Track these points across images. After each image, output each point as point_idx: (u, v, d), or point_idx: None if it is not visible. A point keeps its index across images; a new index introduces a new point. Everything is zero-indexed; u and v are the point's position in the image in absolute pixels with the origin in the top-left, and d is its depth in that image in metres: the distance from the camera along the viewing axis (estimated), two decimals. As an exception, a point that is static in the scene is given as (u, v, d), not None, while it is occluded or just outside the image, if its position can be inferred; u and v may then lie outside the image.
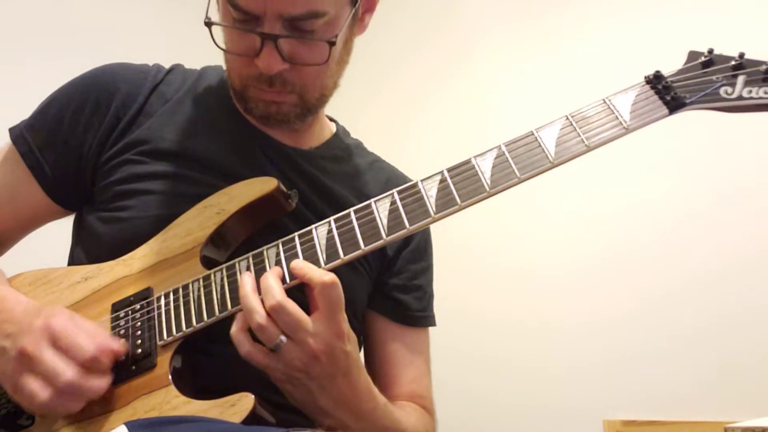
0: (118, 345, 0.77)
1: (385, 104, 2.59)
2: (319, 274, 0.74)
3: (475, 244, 2.25)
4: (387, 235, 0.76)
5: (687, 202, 1.92)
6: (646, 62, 0.87)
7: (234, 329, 0.75)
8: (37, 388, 0.71)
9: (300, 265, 0.76)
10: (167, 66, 1.01)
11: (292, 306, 0.72)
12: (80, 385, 0.72)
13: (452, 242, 2.18)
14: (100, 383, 0.74)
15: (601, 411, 1.98)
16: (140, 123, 0.94)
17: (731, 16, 1.90)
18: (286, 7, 0.80)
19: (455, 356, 2.15)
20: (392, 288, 1.00)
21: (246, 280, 0.76)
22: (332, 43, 0.84)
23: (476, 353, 2.17)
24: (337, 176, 1.00)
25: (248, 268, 0.80)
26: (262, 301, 0.73)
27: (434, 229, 1.06)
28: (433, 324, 1.05)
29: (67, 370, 0.71)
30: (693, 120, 1.81)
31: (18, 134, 0.95)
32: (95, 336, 0.75)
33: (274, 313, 0.72)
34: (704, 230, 1.89)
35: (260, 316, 0.72)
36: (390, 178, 1.06)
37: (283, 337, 0.72)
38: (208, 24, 0.85)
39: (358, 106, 2.47)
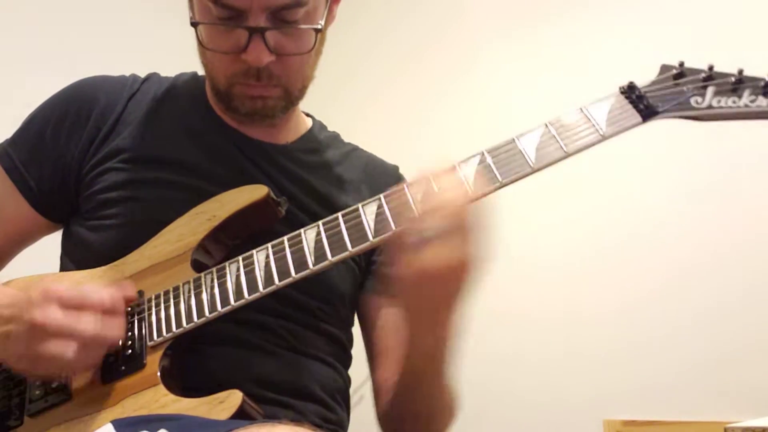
0: (127, 289, 0.79)
1: (387, 108, 2.61)
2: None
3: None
4: (374, 237, 0.78)
5: (686, 198, 1.92)
6: (645, 68, 0.89)
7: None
8: (62, 347, 0.72)
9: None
10: (143, 76, 1.03)
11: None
12: (102, 334, 0.74)
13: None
14: (119, 329, 0.77)
15: (601, 411, 1.96)
16: (119, 131, 0.96)
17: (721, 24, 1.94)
18: None
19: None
20: (380, 264, 1.01)
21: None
22: (318, 30, 0.88)
23: (476, 353, 2.14)
24: (315, 168, 1.01)
25: (238, 270, 0.82)
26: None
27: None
28: None
29: (87, 322, 0.73)
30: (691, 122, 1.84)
31: (2, 151, 0.98)
32: (101, 287, 0.77)
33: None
34: (704, 232, 1.89)
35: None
36: (367, 163, 1.07)
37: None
38: (194, 24, 0.88)
39: (359, 109, 2.52)
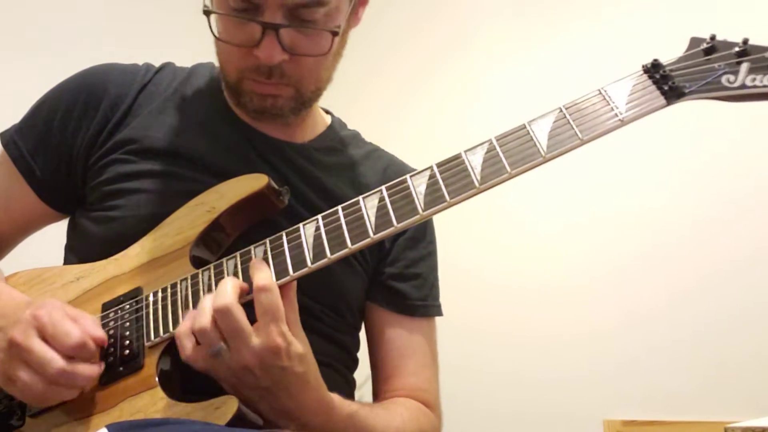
0: (101, 333, 0.76)
1: (379, 95, 2.57)
2: (258, 278, 0.71)
3: (478, 249, 2.23)
4: (374, 234, 0.74)
5: (682, 204, 1.91)
6: (652, 49, 0.83)
7: (180, 329, 0.73)
8: (29, 380, 0.71)
9: (257, 266, 0.74)
10: (158, 65, 1.00)
11: (239, 312, 0.70)
12: (71, 373, 0.72)
13: (452, 245, 2.16)
14: (90, 370, 0.74)
15: (601, 411, 1.96)
16: (128, 123, 0.93)
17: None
18: None
19: (455, 355, 2.13)
20: (388, 277, 0.98)
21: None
22: (335, 33, 0.83)
23: (477, 352, 2.15)
24: (331, 168, 0.97)
25: (236, 267, 0.79)
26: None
27: (441, 234, 1.06)
28: (438, 314, 1.01)
29: (56, 359, 0.71)
30: (701, 122, 1.80)
31: (9, 139, 0.96)
32: (81, 323, 0.74)
33: (218, 314, 0.70)
34: (702, 230, 1.87)
35: (205, 319, 0.70)
36: (389, 165, 1.03)
37: (222, 344, 0.70)
38: (207, 12, 0.84)
39: (352, 96, 2.45)
